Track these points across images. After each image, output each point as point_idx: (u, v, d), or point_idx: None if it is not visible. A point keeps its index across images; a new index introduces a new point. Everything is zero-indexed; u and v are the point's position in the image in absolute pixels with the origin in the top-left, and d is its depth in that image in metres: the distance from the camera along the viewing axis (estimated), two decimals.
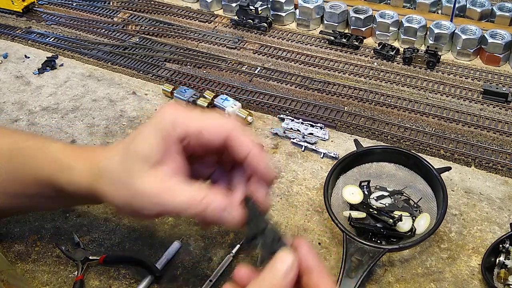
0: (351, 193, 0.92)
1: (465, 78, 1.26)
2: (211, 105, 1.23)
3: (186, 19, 1.57)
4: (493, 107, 1.18)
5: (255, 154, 0.65)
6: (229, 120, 0.67)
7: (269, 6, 1.52)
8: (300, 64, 1.36)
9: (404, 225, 0.87)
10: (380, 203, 0.93)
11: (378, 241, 0.88)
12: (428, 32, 1.37)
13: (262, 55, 1.40)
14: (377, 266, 0.87)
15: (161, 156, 0.62)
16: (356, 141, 1.01)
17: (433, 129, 1.14)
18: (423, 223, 0.88)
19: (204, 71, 1.37)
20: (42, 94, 1.32)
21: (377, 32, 1.42)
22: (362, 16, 1.41)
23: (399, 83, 1.27)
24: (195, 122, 0.64)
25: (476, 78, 1.26)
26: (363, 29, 1.43)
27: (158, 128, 0.63)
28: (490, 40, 1.28)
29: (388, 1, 1.55)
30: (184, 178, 0.64)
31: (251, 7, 1.47)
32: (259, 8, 1.47)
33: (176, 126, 0.63)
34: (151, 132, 0.63)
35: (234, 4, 1.55)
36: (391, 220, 0.86)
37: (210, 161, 0.71)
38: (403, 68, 1.32)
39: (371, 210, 0.89)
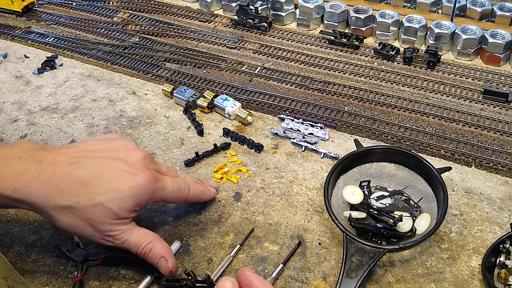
0: (352, 193, 0.92)
1: (466, 78, 1.26)
2: (211, 105, 1.23)
3: (186, 19, 1.57)
4: (494, 107, 1.18)
5: None
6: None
7: (269, 5, 1.52)
8: (300, 64, 1.36)
9: (405, 225, 0.87)
10: (381, 203, 0.93)
11: (379, 241, 0.88)
12: (428, 32, 1.37)
13: (262, 55, 1.40)
14: (378, 266, 0.87)
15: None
16: (356, 141, 1.01)
17: (434, 129, 1.14)
18: (423, 223, 0.88)
19: (204, 71, 1.37)
20: (41, 94, 1.32)
21: (378, 32, 1.41)
22: (362, 16, 1.41)
23: (399, 83, 1.27)
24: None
25: (477, 78, 1.26)
26: (363, 29, 1.43)
27: (137, 194, 0.81)
28: (490, 40, 1.28)
29: (389, 0, 1.55)
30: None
31: (251, 7, 1.47)
32: (259, 8, 1.47)
33: (150, 198, 0.83)
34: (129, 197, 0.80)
35: (234, 4, 1.55)
36: (391, 220, 0.86)
37: None
38: (404, 68, 1.31)
39: (371, 210, 0.89)
